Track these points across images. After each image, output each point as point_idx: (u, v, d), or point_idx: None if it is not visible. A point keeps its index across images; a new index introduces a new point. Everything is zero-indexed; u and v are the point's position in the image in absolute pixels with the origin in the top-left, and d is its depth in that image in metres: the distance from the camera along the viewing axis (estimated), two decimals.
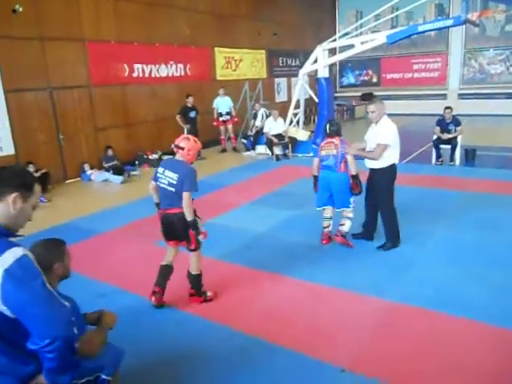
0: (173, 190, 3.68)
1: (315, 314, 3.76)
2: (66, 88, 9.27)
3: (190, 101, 10.88)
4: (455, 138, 9.04)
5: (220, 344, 3.37)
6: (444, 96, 18.10)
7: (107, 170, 9.53)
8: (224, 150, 12.36)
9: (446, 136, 9.03)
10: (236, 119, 12.40)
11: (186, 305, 3.97)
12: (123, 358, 2.49)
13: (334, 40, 11.10)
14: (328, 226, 5.23)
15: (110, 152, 9.75)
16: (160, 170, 3.80)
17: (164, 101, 11.61)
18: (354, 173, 4.91)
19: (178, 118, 10.79)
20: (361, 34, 11.09)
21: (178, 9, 11.84)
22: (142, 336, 3.51)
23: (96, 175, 9.41)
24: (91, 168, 9.56)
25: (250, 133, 12.37)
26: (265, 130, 11.03)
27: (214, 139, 12.74)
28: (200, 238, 3.79)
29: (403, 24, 16.97)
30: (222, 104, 12.03)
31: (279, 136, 10.92)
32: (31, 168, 8.15)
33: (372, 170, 4.96)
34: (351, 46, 10.41)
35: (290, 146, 11.03)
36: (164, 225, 3.90)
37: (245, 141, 12.39)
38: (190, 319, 3.73)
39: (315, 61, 11.00)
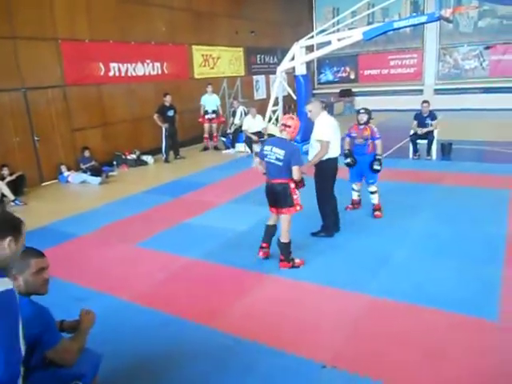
0: (280, 164, 4.32)
1: (297, 311, 3.77)
2: (41, 88, 9.08)
3: (167, 99, 10.75)
4: (432, 132, 9.19)
5: (203, 344, 3.36)
6: (420, 91, 18.35)
7: (84, 171, 9.38)
8: (206, 148, 12.29)
9: (422, 130, 9.17)
10: (223, 119, 12.34)
11: (168, 306, 3.94)
12: (101, 362, 2.47)
13: (312, 37, 11.13)
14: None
15: (86, 153, 9.58)
16: (267, 147, 4.46)
17: (141, 100, 11.48)
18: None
19: (155, 117, 10.67)
20: (338, 30, 11.15)
21: (153, 6, 11.72)
22: (124, 339, 3.47)
23: (73, 177, 9.25)
24: (68, 169, 9.40)
25: (229, 131, 12.34)
26: (244, 128, 11.02)
27: (193, 138, 12.69)
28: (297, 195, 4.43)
29: (379, 20, 17.14)
30: (210, 102, 11.96)
31: (258, 133, 10.92)
32: (5, 171, 7.98)
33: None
34: (328, 43, 10.46)
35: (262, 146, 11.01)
36: (269, 193, 4.53)
37: (224, 139, 12.35)
38: (173, 320, 3.70)
39: (293, 58, 11.01)
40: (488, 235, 5.12)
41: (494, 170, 8.12)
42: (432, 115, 9.27)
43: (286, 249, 4.58)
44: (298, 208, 4.43)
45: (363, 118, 5.92)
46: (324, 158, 5.10)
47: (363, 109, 6.06)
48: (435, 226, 5.50)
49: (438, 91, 18.23)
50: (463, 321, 3.46)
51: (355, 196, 6.25)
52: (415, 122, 9.36)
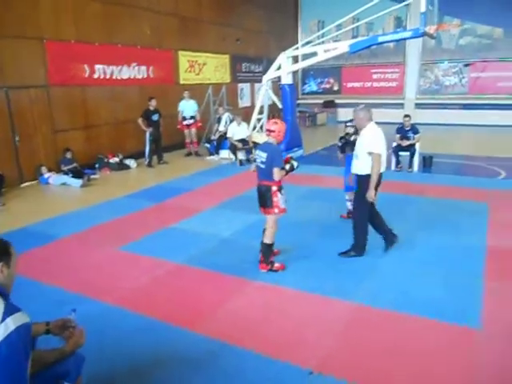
0: (263, 166, 4.52)
1: (283, 317, 3.77)
2: (23, 87, 8.92)
3: (152, 104, 10.68)
4: (413, 145, 9.39)
5: (187, 349, 3.32)
6: (401, 105, 18.70)
7: (66, 173, 9.22)
8: (189, 154, 12.26)
9: (405, 142, 9.36)
10: (200, 124, 12.33)
11: (152, 310, 3.89)
12: (84, 363, 2.40)
13: (298, 48, 11.25)
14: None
15: (68, 155, 9.44)
16: (257, 152, 4.70)
17: (126, 103, 11.38)
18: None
19: (139, 121, 10.58)
20: (323, 42, 11.31)
21: (141, 9, 11.68)
22: (107, 343, 3.40)
23: (54, 178, 9.08)
24: (49, 171, 9.22)
25: (213, 137, 12.32)
26: (228, 135, 11.03)
27: (177, 143, 12.62)
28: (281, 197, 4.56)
29: (363, 34, 17.44)
30: (187, 107, 11.94)
31: (243, 141, 10.94)
32: None
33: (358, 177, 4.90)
34: (314, 54, 10.59)
35: (253, 150, 11.07)
36: (258, 193, 4.68)
37: (208, 145, 12.33)
38: (157, 325, 3.65)
39: (279, 67, 11.11)
40: (469, 246, 5.22)
41: (473, 183, 8.31)
42: (414, 129, 9.47)
43: (266, 250, 4.65)
44: (275, 210, 4.54)
45: (350, 130, 5.94)
46: (366, 173, 4.73)
47: (350, 120, 5.95)
48: (417, 237, 5.57)
49: (418, 105, 18.59)
50: (447, 328, 3.51)
51: (349, 205, 6.15)
52: (398, 136, 9.53)
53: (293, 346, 3.33)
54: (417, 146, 9.44)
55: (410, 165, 9.49)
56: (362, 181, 4.81)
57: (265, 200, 4.57)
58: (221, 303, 4.04)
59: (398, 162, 9.62)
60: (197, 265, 4.88)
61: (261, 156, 4.56)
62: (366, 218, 4.98)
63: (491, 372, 3.02)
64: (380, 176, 4.80)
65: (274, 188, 4.51)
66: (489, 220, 6.16)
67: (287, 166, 4.58)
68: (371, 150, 4.65)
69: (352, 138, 5.81)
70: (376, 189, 4.78)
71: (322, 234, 5.68)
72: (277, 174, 4.43)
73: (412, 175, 9.25)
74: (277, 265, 4.70)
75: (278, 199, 4.52)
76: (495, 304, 3.89)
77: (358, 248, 5.02)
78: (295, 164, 4.65)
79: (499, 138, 14.53)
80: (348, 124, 6.01)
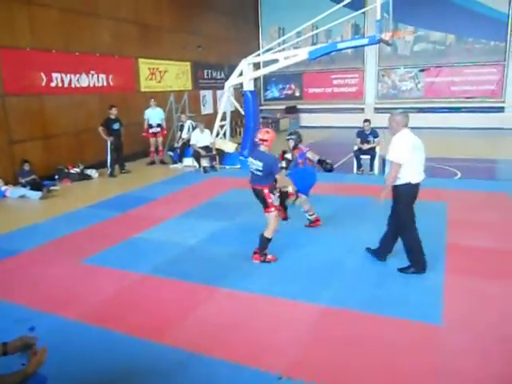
0: (260, 174, 4.83)
1: (251, 323, 3.77)
2: None
3: (113, 112, 10.49)
4: (374, 148, 9.63)
5: (155, 361, 3.27)
6: (362, 110, 19.17)
7: (24, 185, 8.92)
8: (153, 163, 12.11)
9: (366, 146, 9.60)
10: (165, 132, 12.24)
11: (117, 324, 3.80)
12: None
13: (259, 54, 11.35)
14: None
15: (26, 166, 9.13)
16: (250, 159, 4.99)
17: (86, 112, 11.13)
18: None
19: (100, 129, 10.36)
20: (283, 49, 11.47)
21: (99, 17, 11.48)
22: (70, 360, 3.30)
23: (11, 191, 8.76)
24: (6, 184, 8.90)
25: (176, 145, 12.22)
26: (192, 142, 10.96)
27: (140, 152, 12.46)
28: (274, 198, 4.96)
29: (323, 41, 17.81)
30: (153, 115, 11.83)
31: (206, 148, 10.90)
32: None
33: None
34: (275, 61, 10.72)
35: (217, 158, 11.06)
36: (255, 194, 5.05)
37: (171, 153, 12.22)
38: (122, 339, 3.57)
39: (240, 74, 11.18)
40: (429, 245, 5.33)
41: (430, 184, 8.52)
42: (374, 133, 9.72)
43: (264, 243, 4.96)
44: (272, 209, 4.89)
45: (291, 144, 6.20)
46: (402, 182, 4.45)
47: (290, 134, 6.28)
48: (379, 237, 5.69)
49: (377, 110, 19.10)
50: (412, 326, 3.62)
51: (307, 215, 6.21)
52: (358, 140, 9.76)
53: (262, 352, 3.34)
54: (377, 150, 9.69)
55: (371, 168, 9.73)
56: (399, 192, 4.54)
57: (262, 201, 4.94)
58: (188, 312, 4.01)
59: (359, 166, 9.84)
60: (163, 274, 4.82)
61: (256, 164, 4.83)
62: (409, 230, 4.63)
63: (452, 365, 3.13)
64: (417, 186, 4.54)
65: (266, 191, 4.85)
66: (448, 219, 6.40)
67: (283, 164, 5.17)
68: (390, 158, 4.43)
69: (290, 157, 6.21)
70: (413, 201, 4.59)
71: (288, 240, 5.70)
72: (279, 178, 4.92)
73: (373, 178, 9.46)
74: (269, 256, 5.01)
75: (273, 200, 4.88)
76: (455, 300, 4.04)
77: (418, 264, 4.60)
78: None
79: (454, 139, 15.11)
80: (288, 137, 6.18)
